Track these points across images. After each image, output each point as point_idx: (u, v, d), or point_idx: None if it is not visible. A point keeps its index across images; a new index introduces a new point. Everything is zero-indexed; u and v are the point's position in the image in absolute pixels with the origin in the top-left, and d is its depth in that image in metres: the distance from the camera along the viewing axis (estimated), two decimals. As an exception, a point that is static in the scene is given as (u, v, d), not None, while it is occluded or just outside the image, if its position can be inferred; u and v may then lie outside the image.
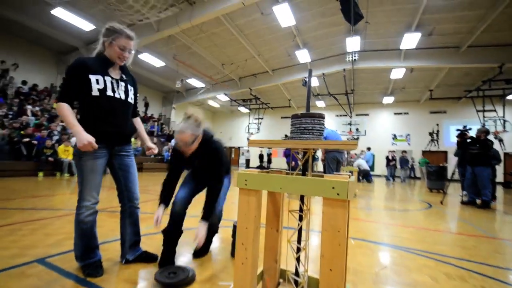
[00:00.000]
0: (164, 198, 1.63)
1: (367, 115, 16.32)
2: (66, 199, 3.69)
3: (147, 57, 11.28)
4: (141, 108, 15.42)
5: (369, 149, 12.10)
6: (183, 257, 1.78)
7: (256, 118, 15.87)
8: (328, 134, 4.79)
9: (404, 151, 12.32)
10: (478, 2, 7.31)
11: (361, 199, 5.21)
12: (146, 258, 1.66)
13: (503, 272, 1.80)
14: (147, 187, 5.50)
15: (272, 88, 14.88)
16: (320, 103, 16.45)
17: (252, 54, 11.21)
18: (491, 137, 5.08)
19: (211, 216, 1.58)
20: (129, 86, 1.55)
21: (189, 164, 1.71)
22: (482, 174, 4.70)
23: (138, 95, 1.68)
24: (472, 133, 5.28)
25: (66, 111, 1.34)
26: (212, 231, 1.89)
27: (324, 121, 1.08)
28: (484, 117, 10.69)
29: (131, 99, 1.56)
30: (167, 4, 7.73)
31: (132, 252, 1.64)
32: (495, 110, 10.55)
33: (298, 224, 1.11)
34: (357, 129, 13.22)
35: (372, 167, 11.51)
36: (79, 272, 1.45)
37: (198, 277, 1.49)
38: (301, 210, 1.12)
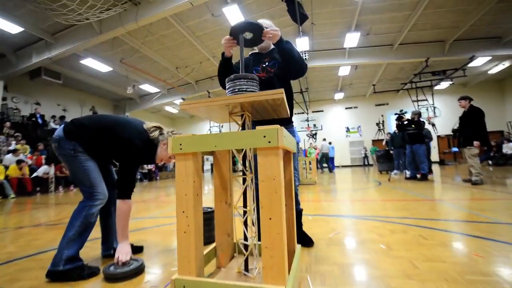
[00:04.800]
0: None
1: (322, 111, 17.31)
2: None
3: (91, 63, 10.32)
4: (88, 119, 13.99)
5: (330, 143, 12.86)
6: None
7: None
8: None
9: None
10: (404, 4, 8.33)
11: (320, 186, 5.46)
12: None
13: (435, 222, 2.05)
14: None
15: (231, 90, 14.84)
16: (278, 103, 16.91)
17: (206, 56, 11.08)
18: (425, 121, 5.81)
19: None
20: None
21: None
22: (418, 151, 5.32)
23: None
24: (408, 117, 5.96)
25: (129, 215, 1.36)
26: None
27: (257, 83, 1.10)
28: (418, 105, 12.19)
29: None
30: (109, 3, 7.21)
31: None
32: (426, 99, 12.14)
33: (242, 188, 1.10)
34: (314, 125, 13.92)
35: (332, 159, 12.23)
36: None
37: (150, 267, 1.40)
38: (244, 173, 1.12)
